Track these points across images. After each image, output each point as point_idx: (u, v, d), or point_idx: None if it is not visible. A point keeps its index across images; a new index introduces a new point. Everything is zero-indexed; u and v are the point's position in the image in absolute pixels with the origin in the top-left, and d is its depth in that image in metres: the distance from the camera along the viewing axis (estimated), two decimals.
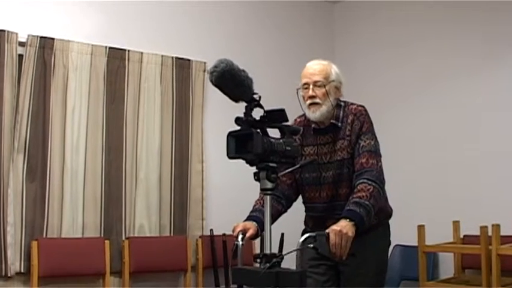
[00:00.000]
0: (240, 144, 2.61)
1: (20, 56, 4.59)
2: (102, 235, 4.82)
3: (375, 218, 3.18)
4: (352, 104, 3.38)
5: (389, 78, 6.02)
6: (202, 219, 5.30)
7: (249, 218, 3.21)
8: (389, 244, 3.56)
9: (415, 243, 4.91)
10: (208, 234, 5.20)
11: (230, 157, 2.61)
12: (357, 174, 3.20)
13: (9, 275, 4.42)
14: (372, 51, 6.23)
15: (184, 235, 5.18)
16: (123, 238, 4.91)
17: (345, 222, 2.92)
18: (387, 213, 3.51)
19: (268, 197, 2.66)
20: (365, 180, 3.13)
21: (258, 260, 2.70)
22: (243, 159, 2.64)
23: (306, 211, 3.53)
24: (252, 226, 3.12)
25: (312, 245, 2.80)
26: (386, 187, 5.95)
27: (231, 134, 2.63)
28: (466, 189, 5.33)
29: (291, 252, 2.72)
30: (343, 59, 6.26)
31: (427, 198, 5.50)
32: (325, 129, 3.34)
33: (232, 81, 2.49)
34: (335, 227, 2.86)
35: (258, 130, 2.59)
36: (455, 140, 5.47)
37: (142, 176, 5.08)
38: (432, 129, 5.60)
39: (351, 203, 3.04)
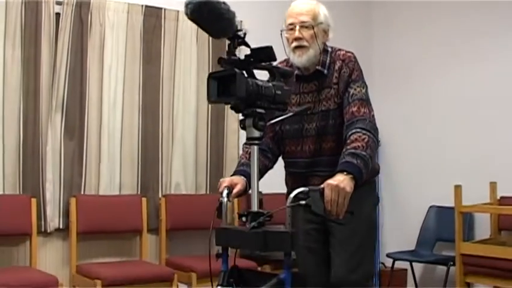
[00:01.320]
0: (223, 87, 2.40)
1: (57, 15, 4.61)
2: (139, 193, 4.88)
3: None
4: (339, 49, 3.07)
5: (426, 35, 5.93)
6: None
7: (236, 173, 2.95)
8: (378, 202, 3.32)
9: (450, 204, 4.88)
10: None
11: (211, 101, 2.44)
12: (348, 124, 2.88)
13: (48, 231, 4.50)
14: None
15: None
16: (160, 196, 4.98)
17: (342, 176, 2.60)
18: (375, 170, 3.12)
19: (255, 147, 2.48)
20: (359, 130, 2.81)
21: (243, 219, 2.54)
22: (226, 103, 2.48)
23: (286, 167, 3.24)
24: (239, 181, 2.86)
25: (304, 202, 2.46)
26: (418, 147, 5.95)
27: (212, 76, 2.42)
28: (503, 150, 5.26)
29: (280, 209, 2.46)
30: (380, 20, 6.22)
31: (464, 159, 5.44)
32: (309, 76, 3.04)
33: (210, 15, 2.27)
34: (331, 181, 2.54)
35: (243, 71, 2.37)
36: (493, 100, 5.38)
37: (178, 135, 5.10)
38: (471, 88, 5.52)
39: (347, 155, 2.72)
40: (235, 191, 2.78)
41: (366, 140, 2.77)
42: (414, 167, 5.83)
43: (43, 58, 4.53)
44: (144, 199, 4.82)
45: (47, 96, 4.54)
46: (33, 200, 4.39)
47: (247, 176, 2.83)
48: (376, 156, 2.90)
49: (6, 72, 4.43)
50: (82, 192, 4.63)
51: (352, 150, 2.71)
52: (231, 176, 2.91)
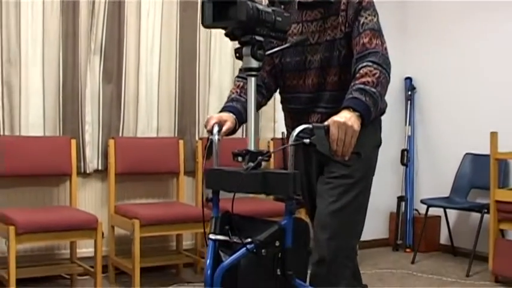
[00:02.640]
0: (219, 11, 2.23)
1: None
2: (176, 136, 4.94)
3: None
4: None
5: None
6: (274, 122, 5.34)
7: (224, 109, 2.74)
8: (380, 145, 2.99)
9: (486, 152, 4.87)
10: (280, 136, 5.26)
11: (206, 26, 2.28)
12: (359, 57, 2.61)
13: (87, 172, 4.61)
14: None
15: (257, 137, 5.26)
16: (197, 139, 5.04)
17: (349, 113, 2.36)
18: (381, 109, 2.79)
19: (252, 79, 2.34)
20: (370, 64, 2.55)
21: (239, 159, 2.36)
22: (223, 28, 2.29)
23: (284, 104, 2.98)
24: (229, 118, 2.66)
25: (308, 141, 2.24)
26: (455, 95, 5.88)
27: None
28: None
29: (281, 148, 2.41)
30: None
31: (500, 106, 5.39)
32: (313, 3, 2.75)
33: None
34: (337, 118, 2.31)
35: None
36: None
37: (215, 78, 5.13)
38: (508, 35, 5.45)
39: (355, 90, 2.47)
40: (224, 128, 2.60)
41: (377, 75, 2.53)
42: (450, 114, 5.79)
43: (81, 2, 4.57)
44: (181, 141, 4.88)
45: (85, 40, 4.60)
46: (73, 142, 4.48)
47: (237, 113, 2.70)
48: (385, 94, 2.60)
49: (45, 16, 4.48)
50: (120, 135, 4.72)
51: (361, 86, 2.48)
52: (219, 112, 2.72)
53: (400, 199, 5.94)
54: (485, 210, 4.94)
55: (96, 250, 4.04)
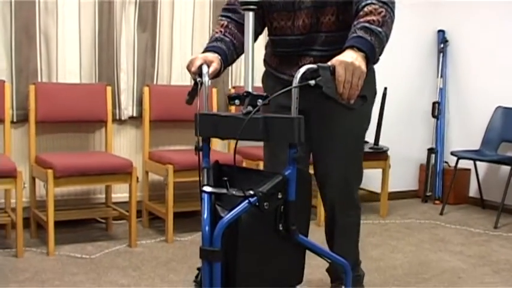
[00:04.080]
0: None
1: None
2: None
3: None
4: None
5: None
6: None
7: (208, 50, 2.56)
8: (375, 94, 2.87)
9: None
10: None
11: None
12: None
13: (123, 118, 4.70)
14: None
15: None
16: (229, 87, 5.09)
17: (355, 53, 2.20)
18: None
19: (250, 13, 2.23)
20: (375, 2, 2.37)
21: (237, 102, 2.24)
22: None
23: (271, 47, 2.82)
24: (214, 59, 2.49)
25: (313, 82, 2.11)
26: (487, 48, 5.85)
27: None
28: None
29: (284, 91, 2.12)
30: None
31: None
32: None
33: None
34: (344, 58, 2.15)
35: None
36: None
37: None
38: None
39: (359, 29, 2.28)
40: (211, 70, 2.45)
41: (382, 13, 2.35)
42: (482, 67, 5.77)
43: None
44: (214, 90, 4.94)
45: None
46: (109, 89, 4.56)
47: (222, 54, 2.55)
48: (390, 34, 2.43)
49: None
50: (155, 82, 4.79)
51: (367, 25, 2.30)
52: (202, 53, 2.54)
53: (431, 151, 5.96)
54: None
55: (130, 194, 4.15)
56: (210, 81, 2.44)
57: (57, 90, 4.42)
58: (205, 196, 2.18)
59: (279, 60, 2.73)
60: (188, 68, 2.49)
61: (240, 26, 2.61)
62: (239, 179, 2.24)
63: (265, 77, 2.89)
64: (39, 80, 4.42)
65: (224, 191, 2.17)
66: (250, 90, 2.26)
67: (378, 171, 5.28)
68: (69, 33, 4.53)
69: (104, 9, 4.60)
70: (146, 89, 4.68)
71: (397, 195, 5.85)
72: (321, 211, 4.87)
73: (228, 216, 2.07)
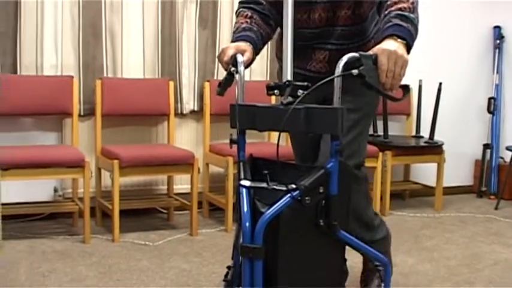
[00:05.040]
0: None
1: None
2: (267, 79, 5.12)
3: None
4: None
5: None
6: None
7: (239, 39, 2.49)
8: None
9: None
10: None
11: None
12: None
13: (184, 112, 4.87)
14: None
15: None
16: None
17: (396, 42, 2.15)
18: None
19: None
20: None
21: (276, 92, 2.18)
22: None
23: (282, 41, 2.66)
24: (247, 48, 2.43)
25: (356, 71, 2.06)
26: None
27: None
28: None
29: (326, 81, 2.05)
30: None
31: None
32: None
33: None
34: (386, 47, 2.11)
35: None
36: None
37: None
38: None
39: (394, 17, 2.24)
40: (245, 58, 2.37)
41: (410, 0, 2.30)
42: None
43: None
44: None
45: None
46: (171, 84, 4.73)
47: (253, 43, 2.50)
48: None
49: None
50: (215, 77, 4.95)
51: (400, 12, 2.25)
52: (232, 42, 2.49)
53: (486, 147, 5.99)
54: None
55: (192, 184, 4.32)
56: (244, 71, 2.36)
57: (122, 85, 4.62)
58: (244, 190, 2.12)
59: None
60: (220, 58, 2.43)
61: (263, 17, 2.62)
62: (276, 173, 2.16)
63: (279, 72, 2.81)
64: (104, 75, 4.62)
65: (264, 185, 2.11)
66: (289, 79, 2.19)
67: (433, 166, 5.35)
68: (133, 31, 4.73)
69: (166, 7, 4.78)
70: (207, 84, 4.83)
71: (452, 190, 5.89)
72: (377, 203, 4.98)
73: (270, 211, 2.02)
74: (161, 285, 3.33)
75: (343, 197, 2.19)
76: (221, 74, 4.96)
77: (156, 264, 3.70)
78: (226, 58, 2.38)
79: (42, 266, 3.61)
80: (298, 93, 2.13)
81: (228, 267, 2.38)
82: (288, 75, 2.19)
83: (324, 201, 2.11)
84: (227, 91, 2.43)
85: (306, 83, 2.15)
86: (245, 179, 2.16)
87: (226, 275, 2.39)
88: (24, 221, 4.52)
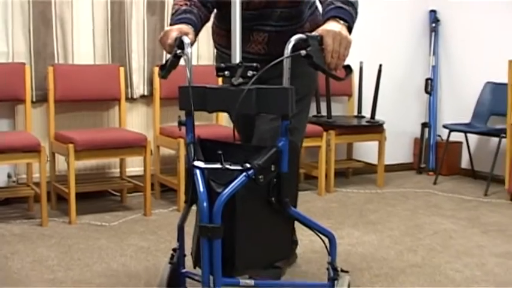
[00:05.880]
0: None
1: None
2: (215, 63, 5.24)
3: None
4: None
5: None
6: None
7: (180, 22, 2.46)
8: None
9: (506, 81, 5.16)
10: None
11: None
12: None
13: (134, 97, 4.98)
14: None
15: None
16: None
17: (338, 24, 2.22)
18: None
19: None
20: None
21: (227, 73, 2.21)
22: None
23: (220, 22, 2.81)
24: (189, 30, 2.42)
25: (304, 52, 2.14)
26: (479, 25, 6.06)
27: None
28: None
29: (275, 63, 2.11)
30: None
31: None
32: None
33: None
34: (331, 28, 2.18)
35: None
36: None
37: None
38: None
39: (336, 0, 2.29)
40: (188, 41, 2.37)
41: None
42: (472, 45, 6.04)
43: None
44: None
45: None
46: (121, 69, 4.84)
47: (194, 26, 2.49)
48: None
49: None
50: (163, 62, 5.05)
51: None
52: (172, 25, 2.48)
53: (424, 125, 6.26)
54: (503, 135, 5.25)
55: (145, 166, 4.45)
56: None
57: (73, 71, 4.71)
58: (198, 171, 2.15)
59: (228, 38, 2.44)
60: (162, 40, 2.43)
61: (202, 1, 2.60)
62: (225, 153, 2.17)
63: (218, 58, 2.88)
64: (56, 62, 4.70)
65: (218, 165, 2.15)
66: (238, 61, 2.22)
67: (375, 144, 5.60)
68: (82, 18, 4.81)
69: None
70: (156, 69, 4.93)
71: (393, 168, 6.16)
72: (322, 181, 5.19)
73: (227, 191, 2.07)
74: (121, 262, 3.48)
75: (292, 175, 2.29)
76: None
77: (114, 242, 3.83)
78: (170, 41, 2.38)
79: (3, 248, 3.70)
80: (248, 74, 2.18)
81: (174, 250, 2.50)
82: (237, 56, 2.24)
83: (275, 179, 2.21)
84: (171, 74, 2.46)
85: (255, 64, 2.21)
86: (198, 160, 2.21)
87: (171, 258, 2.51)
88: None
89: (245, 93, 2.12)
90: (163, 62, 2.52)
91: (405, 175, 6.15)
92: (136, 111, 5.08)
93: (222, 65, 2.22)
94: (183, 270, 2.57)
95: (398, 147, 6.28)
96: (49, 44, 4.69)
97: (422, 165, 6.26)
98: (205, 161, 2.22)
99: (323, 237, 2.51)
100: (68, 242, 3.85)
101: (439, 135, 6.28)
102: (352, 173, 6.06)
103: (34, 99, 4.65)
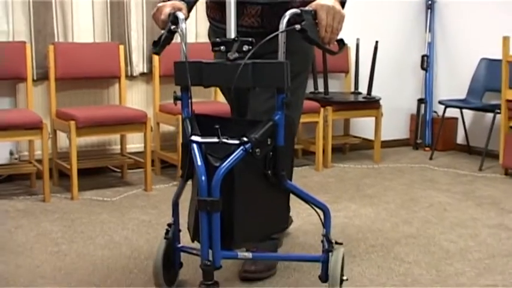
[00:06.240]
0: None
1: None
2: None
3: None
4: None
5: None
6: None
7: None
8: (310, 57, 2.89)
9: (500, 57, 5.23)
10: None
11: None
12: None
13: (134, 74, 5.05)
14: None
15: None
16: None
17: None
18: None
19: None
20: None
21: (223, 48, 2.22)
22: None
23: None
24: (182, 6, 2.45)
25: (299, 26, 2.17)
26: (474, 2, 6.11)
27: None
28: None
29: (271, 37, 2.13)
30: None
31: None
32: None
33: None
34: (324, 3, 2.21)
35: None
36: None
37: None
38: None
39: None
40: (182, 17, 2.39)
41: None
42: (468, 22, 6.09)
43: None
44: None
45: None
46: (121, 47, 4.90)
47: (186, 2, 2.52)
48: None
49: None
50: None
51: None
52: (166, 0, 2.51)
53: (420, 101, 6.33)
54: (498, 110, 5.33)
55: (145, 142, 4.52)
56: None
57: (73, 49, 4.77)
58: (195, 146, 2.19)
59: (222, 12, 2.50)
60: (155, 16, 2.47)
61: None
62: (221, 128, 2.22)
63: (212, 33, 2.89)
64: (56, 40, 4.76)
65: (215, 139, 2.19)
66: (234, 36, 2.24)
67: (372, 121, 5.67)
68: None
69: None
70: None
71: (389, 144, 6.24)
72: (319, 156, 5.28)
73: (225, 164, 2.11)
74: (124, 235, 3.56)
75: (287, 148, 2.33)
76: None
77: (116, 217, 3.92)
78: (163, 16, 2.43)
79: (7, 223, 3.79)
80: (244, 49, 2.20)
81: (169, 225, 2.56)
82: (232, 31, 2.26)
83: (271, 153, 2.25)
84: (166, 50, 2.50)
85: (251, 39, 2.23)
86: (195, 134, 2.25)
87: (166, 233, 2.57)
88: None
89: (241, 67, 2.14)
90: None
91: (402, 151, 6.23)
92: (136, 88, 5.14)
93: (218, 39, 2.24)
94: (179, 245, 2.64)
95: (395, 124, 6.36)
96: (49, 23, 4.74)
97: (419, 141, 6.34)
98: (202, 135, 2.25)
99: (318, 210, 2.55)
100: (70, 216, 3.93)
101: (435, 111, 6.35)
102: (349, 148, 6.14)
103: (35, 78, 4.71)
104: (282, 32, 2.19)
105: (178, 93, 2.41)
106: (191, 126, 2.29)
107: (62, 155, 4.68)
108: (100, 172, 5.04)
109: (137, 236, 3.53)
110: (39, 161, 4.37)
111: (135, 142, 5.06)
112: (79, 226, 3.72)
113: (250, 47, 2.20)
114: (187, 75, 2.25)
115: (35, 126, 4.17)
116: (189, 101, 2.37)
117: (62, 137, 4.67)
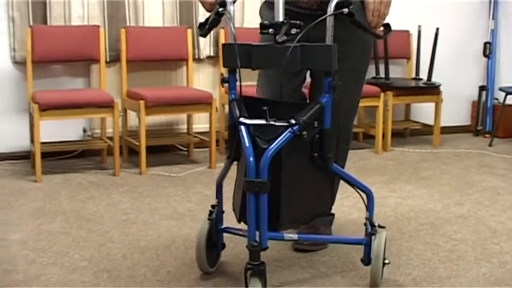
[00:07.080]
0: None
1: None
2: None
3: None
4: None
5: None
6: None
7: None
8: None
9: None
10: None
11: None
12: None
13: (201, 57, 5.27)
14: None
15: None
16: None
17: None
18: None
19: None
20: None
21: (271, 31, 2.21)
22: None
23: None
24: None
25: (347, 10, 2.19)
26: None
27: None
28: None
29: (317, 22, 2.15)
30: None
31: None
32: None
33: None
34: None
35: None
36: None
37: None
38: None
39: None
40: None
41: None
42: None
43: None
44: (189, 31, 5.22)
45: None
46: (189, 31, 5.12)
47: None
48: None
49: None
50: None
51: None
52: None
53: (482, 88, 6.38)
54: None
55: (211, 122, 4.75)
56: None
57: (144, 33, 5.02)
58: (243, 128, 2.19)
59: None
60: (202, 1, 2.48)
61: None
62: (268, 110, 2.21)
63: (266, 8, 2.84)
64: (128, 24, 5.02)
65: (263, 121, 2.19)
66: (282, 19, 2.22)
67: (432, 106, 5.76)
68: None
69: None
70: (222, 31, 5.22)
71: (450, 130, 6.30)
72: (379, 140, 5.41)
73: (273, 146, 2.12)
74: (187, 207, 3.80)
75: (334, 131, 2.34)
76: (237, 21, 5.30)
77: (181, 190, 4.16)
78: None
79: (80, 194, 4.07)
80: (292, 32, 2.21)
81: (212, 206, 2.63)
82: (281, 14, 2.23)
83: (317, 135, 2.27)
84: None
85: (298, 22, 2.23)
86: (243, 116, 2.26)
87: (210, 214, 2.62)
88: (57, 159, 4.98)
89: (283, 50, 2.15)
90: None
91: (462, 137, 6.29)
92: (203, 71, 5.36)
93: (266, 22, 2.24)
94: (222, 226, 2.68)
95: (456, 110, 6.42)
96: (121, 8, 5.01)
97: (479, 128, 6.39)
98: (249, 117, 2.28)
99: (362, 194, 2.57)
100: (138, 189, 4.19)
101: (497, 99, 6.38)
102: (410, 133, 6.24)
103: (108, 60, 4.98)
104: (329, 15, 2.23)
105: (226, 76, 2.43)
106: (239, 108, 2.30)
107: (132, 132, 4.95)
108: (167, 150, 5.30)
109: (200, 209, 3.75)
110: (110, 138, 4.65)
111: (201, 122, 5.29)
112: (146, 198, 3.98)
113: (299, 30, 2.22)
114: (235, 57, 2.24)
115: (107, 105, 4.44)
116: (237, 83, 2.38)
117: (132, 116, 4.93)
